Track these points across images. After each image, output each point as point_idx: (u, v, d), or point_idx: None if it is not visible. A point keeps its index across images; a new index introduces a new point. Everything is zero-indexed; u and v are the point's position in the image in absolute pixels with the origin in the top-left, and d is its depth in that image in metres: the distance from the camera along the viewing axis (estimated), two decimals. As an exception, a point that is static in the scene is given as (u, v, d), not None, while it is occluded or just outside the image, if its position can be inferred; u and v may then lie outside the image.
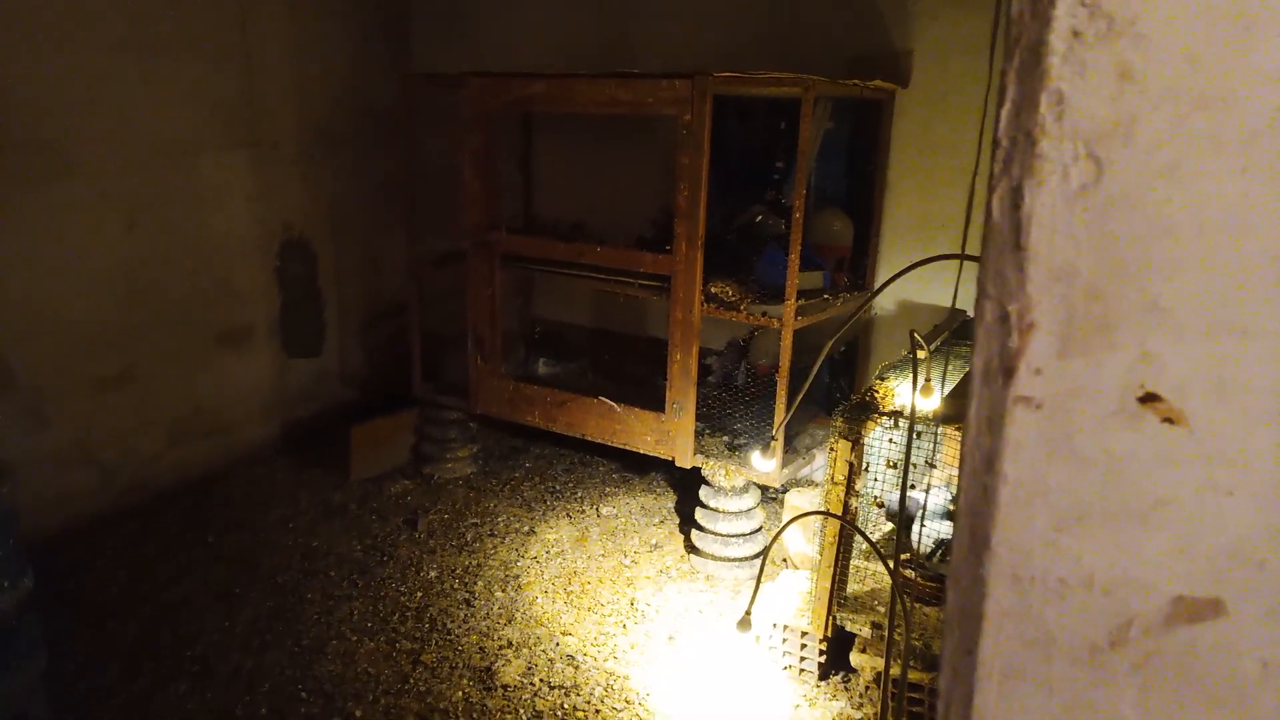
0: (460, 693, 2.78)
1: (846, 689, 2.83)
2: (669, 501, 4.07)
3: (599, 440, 3.91)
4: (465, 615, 3.18)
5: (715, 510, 3.49)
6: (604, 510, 3.97)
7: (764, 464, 3.21)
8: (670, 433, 3.60)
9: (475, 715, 2.69)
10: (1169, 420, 0.61)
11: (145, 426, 3.83)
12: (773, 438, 3.18)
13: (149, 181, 3.73)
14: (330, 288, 4.67)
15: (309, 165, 4.43)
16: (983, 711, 0.70)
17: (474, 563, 3.51)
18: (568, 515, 3.92)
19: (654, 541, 3.74)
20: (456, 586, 3.35)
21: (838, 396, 3.91)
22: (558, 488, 4.19)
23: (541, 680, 2.85)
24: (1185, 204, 0.58)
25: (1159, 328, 0.60)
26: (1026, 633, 0.67)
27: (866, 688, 2.81)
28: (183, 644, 2.95)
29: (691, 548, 3.60)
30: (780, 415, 3.24)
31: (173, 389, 3.93)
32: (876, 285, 3.82)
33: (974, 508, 0.67)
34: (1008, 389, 0.63)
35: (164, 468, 3.91)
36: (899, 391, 2.78)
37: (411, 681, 2.82)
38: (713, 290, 3.39)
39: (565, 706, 2.74)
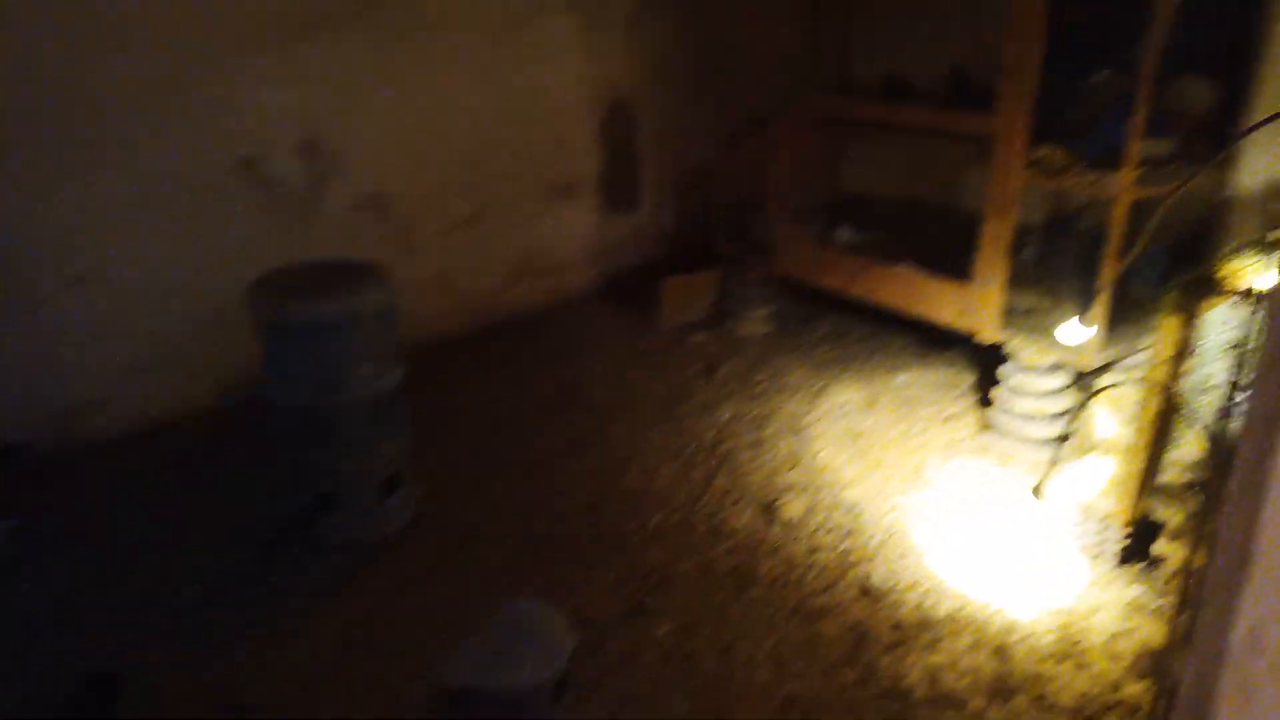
0: (745, 519, 3.01)
1: (1146, 577, 2.69)
2: (968, 377, 3.97)
3: (899, 309, 3.88)
4: (753, 455, 3.38)
5: (1018, 389, 3.36)
6: (898, 380, 3.96)
7: (1076, 342, 3.03)
8: (976, 305, 3.48)
9: (757, 539, 2.91)
10: None
11: (490, 263, 4.38)
12: (1089, 315, 2.98)
13: (495, 41, 4.12)
14: (647, 149, 4.93)
15: (634, 30, 4.64)
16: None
17: (764, 411, 3.70)
18: (859, 380, 3.96)
19: (947, 414, 3.69)
20: (747, 429, 3.56)
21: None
22: (851, 354, 4.23)
23: (821, 522, 3.00)
24: None
25: None
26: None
27: (1168, 579, 2.65)
28: (514, 447, 3.44)
29: (989, 425, 3.52)
30: (1102, 292, 3.02)
31: (512, 233, 4.43)
32: (1242, 160, 3.35)
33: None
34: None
35: (504, 301, 4.46)
36: (1250, 270, 2.48)
37: (703, 502, 3.09)
38: (1037, 155, 3.17)
39: (842, 548, 2.87)
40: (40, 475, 3.16)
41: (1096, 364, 3.21)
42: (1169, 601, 2.57)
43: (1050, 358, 3.26)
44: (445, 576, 2.74)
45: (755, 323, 4.43)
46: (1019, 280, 3.47)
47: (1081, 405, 2.60)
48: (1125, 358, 3.36)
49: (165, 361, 3.51)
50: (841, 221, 4.39)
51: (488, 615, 2.08)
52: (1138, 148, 2.89)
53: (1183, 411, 2.60)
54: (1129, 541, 2.70)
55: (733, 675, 2.39)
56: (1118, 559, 2.73)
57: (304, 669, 2.39)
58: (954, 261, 3.65)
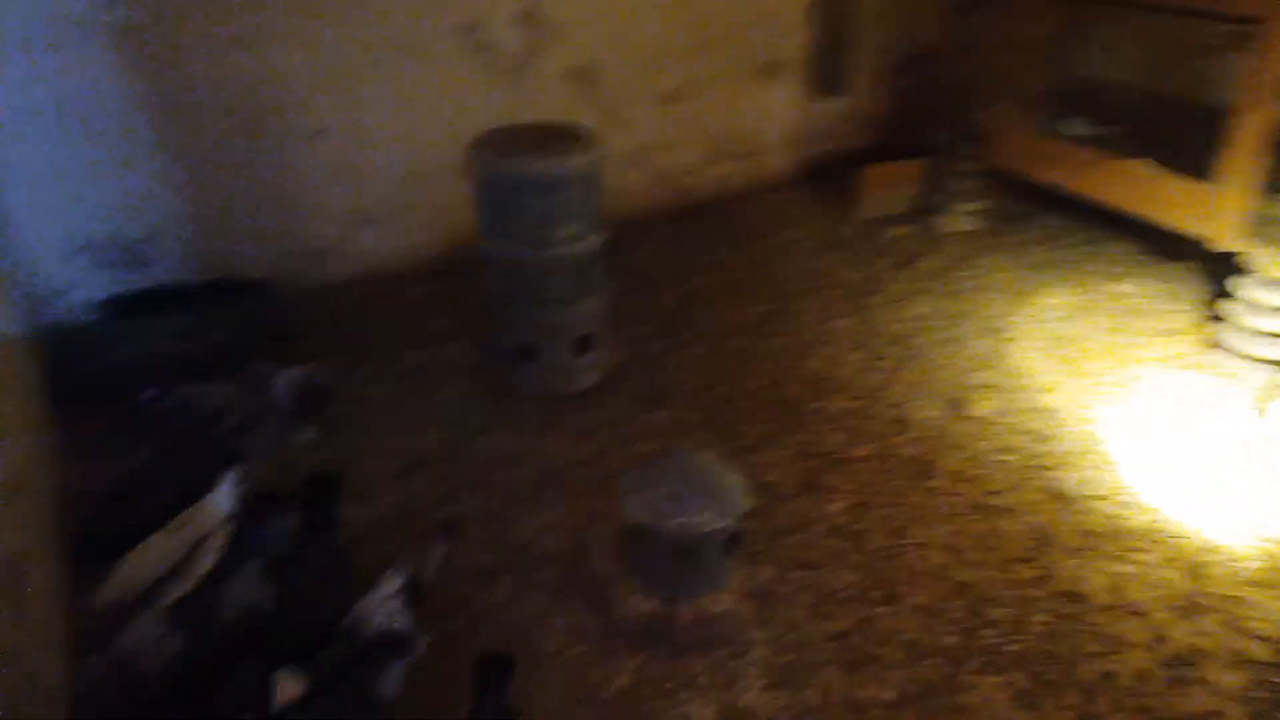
0: (929, 412, 2.96)
1: (1380, 517, 2.45)
2: (1197, 290, 3.63)
3: (1126, 210, 3.58)
4: (945, 351, 3.29)
5: (1253, 304, 3.05)
6: (1115, 287, 3.69)
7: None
8: (1216, 209, 3.15)
9: (942, 433, 2.86)
10: None
11: (691, 141, 4.37)
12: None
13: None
14: (860, 28, 4.69)
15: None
16: None
17: (962, 309, 3.56)
18: (1071, 285, 3.72)
19: (1169, 327, 3.41)
20: (941, 325, 3.45)
21: None
22: (1065, 257, 3.96)
23: (1013, 422, 2.90)
24: None
25: None
26: None
27: None
28: (702, 321, 3.50)
29: (1213, 342, 3.23)
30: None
31: (715, 111, 4.39)
32: None
33: None
34: None
35: (703, 180, 4.47)
36: None
37: (887, 392, 3.06)
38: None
39: (1034, 451, 2.77)
40: (284, 311, 3.53)
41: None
42: (1407, 544, 2.34)
43: (1301, 272, 2.93)
44: (629, 433, 2.88)
45: (961, 218, 4.21)
46: (1272, 185, 3.10)
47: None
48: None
49: (391, 213, 3.79)
50: (1070, 111, 4.04)
51: (668, 458, 2.18)
52: None
53: None
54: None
55: (903, 556, 2.41)
56: (1350, 494, 2.49)
57: (504, 495, 2.62)
58: (1194, 160, 3.30)
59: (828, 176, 4.71)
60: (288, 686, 1.82)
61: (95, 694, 1.92)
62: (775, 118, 4.62)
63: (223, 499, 2.32)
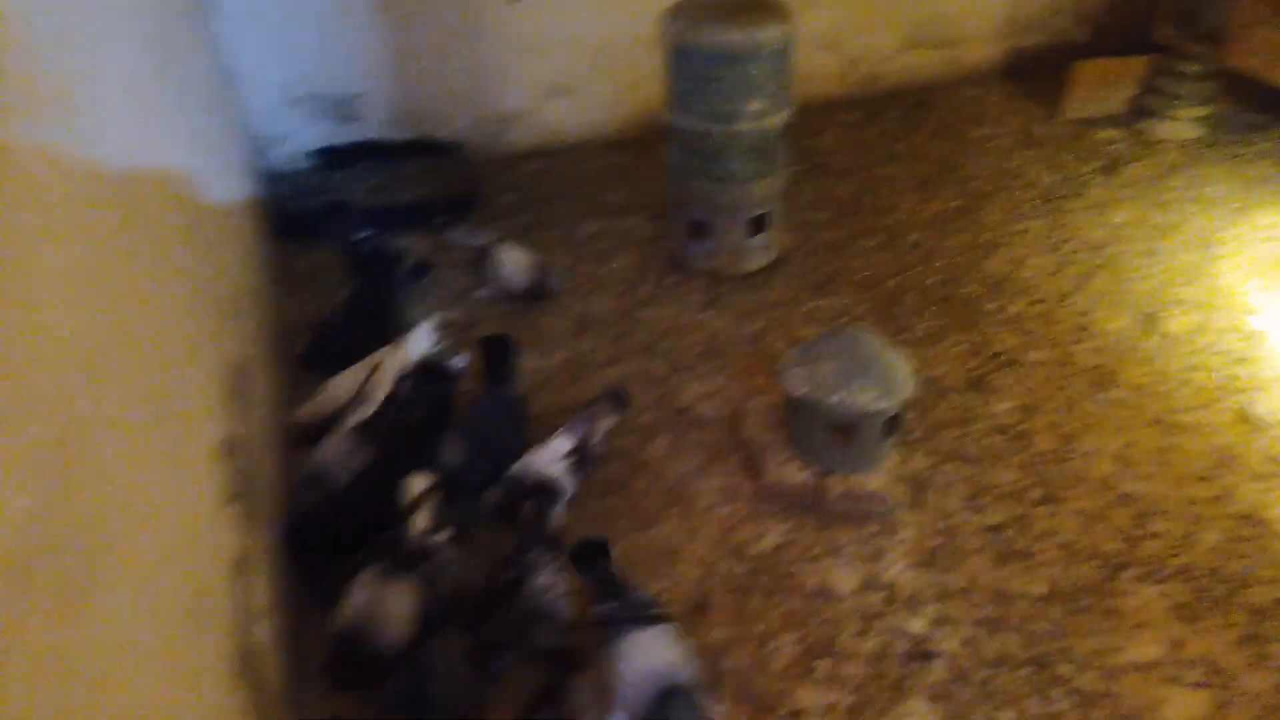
0: (1118, 323, 2.80)
1: None
2: None
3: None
4: (1143, 264, 3.08)
5: None
6: (1355, 210, 3.32)
7: None
8: None
9: (1127, 346, 2.71)
10: None
11: (886, 26, 4.17)
12: None
13: None
14: (1096, -93, 4.26)
15: None
16: None
17: (1168, 220, 3.30)
18: (1302, 204, 3.37)
19: None
20: (1141, 236, 3.22)
21: None
22: (1300, 175, 3.57)
23: (1209, 341, 2.72)
24: None
25: None
26: None
27: None
28: (879, 213, 3.42)
29: None
30: None
31: (917, -5, 4.16)
32: None
33: None
34: None
35: (894, 68, 4.27)
36: None
37: (1071, 300, 2.92)
38: None
39: (1228, 372, 2.60)
40: (474, 174, 3.70)
41: None
42: None
43: None
44: (793, 316, 2.90)
45: (1182, 124, 3.85)
46: None
47: None
48: None
49: (582, 85, 3.85)
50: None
51: (837, 336, 2.19)
52: None
53: None
54: None
55: (1069, 461, 2.35)
56: None
57: (667, 362, 2.72)
58: None
59: (1033, 72, 4.40)
60: (415, 483, 2.01)
61: (298, 497, 2.19)
62: (980, 5, 4.31)
63: (418, 343, 2.52)
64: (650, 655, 1.73)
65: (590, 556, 1.97)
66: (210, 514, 1.57)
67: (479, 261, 2.98)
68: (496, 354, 2.49)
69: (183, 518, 1.41)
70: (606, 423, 2.40)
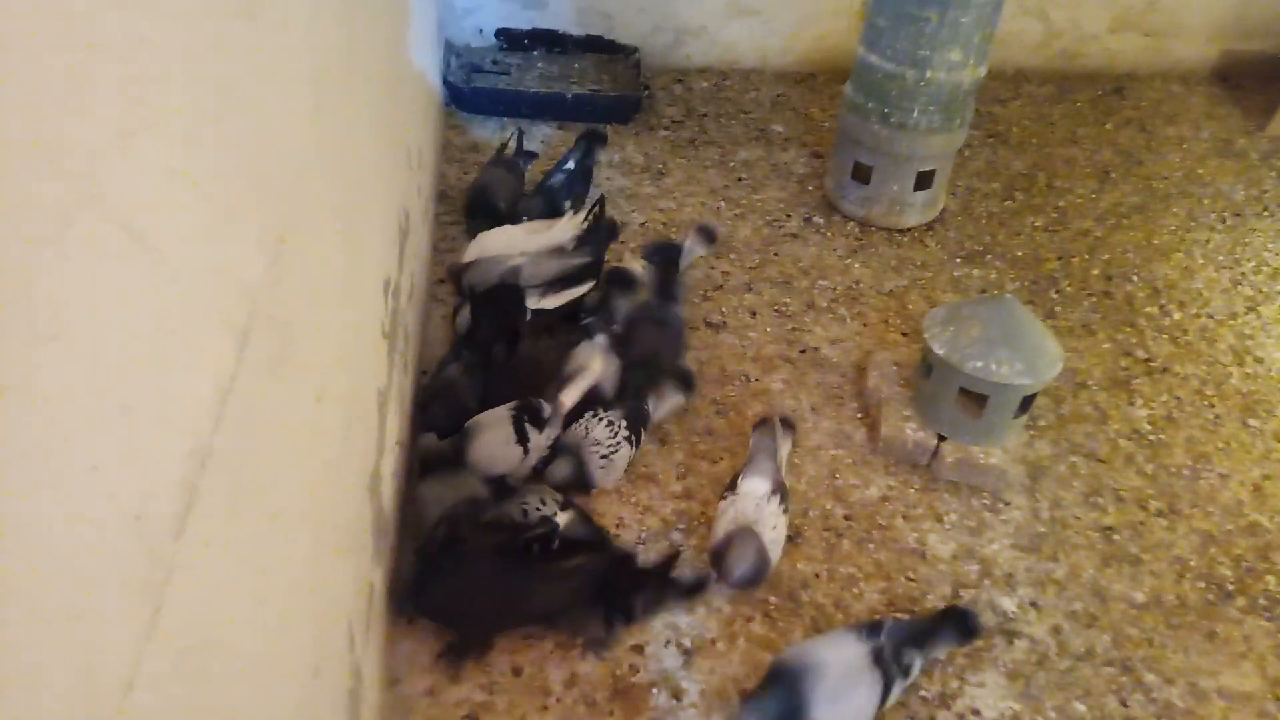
0: (1284, 354, 2.65)
1: None
2: None
3: None
4: (1327, 300, 2.88)
5: None
6: None
7: None
8: None
9: (1290, 379, 2.57)
10: None
11: (1097, 3, 3.92)
12: None
13: None
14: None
15: None
16: None
17: (1366, 260, 3.07)
18: None
19: None
20: (1332, 271, 3.01)
21: None
22: None
23: (1382, 394, 2.54)
24: None
25: None
26: None
27: None
28: (1052, 194, 3.28)
29: None
30: None
31: (1137, -26, 3.89)
32: None
33: None
34: None
35: (1097, 48, 4.03)
36: None
37: (1238, 321, 2.76)
38: None
39: (1395, 430, 2.43)
40: (644, 80, 3.70)
41: None
42: None
43: None
44: (939, 280, 2.84)
45: (1403, 162, 3.53)
46: None
47: None
48: None
49: (767, 8, 3.76)
50: None
51: (990, 301, 2.14)
52: None
53: None
54: None
55: (1200, 480, 2.26)
56: None
57: (801, 300, 2.71)
58: None
59: (1246, 80, 4.08)
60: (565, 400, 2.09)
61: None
62: (1205, 2, 4.01)
63: (566, 228, 2.57)
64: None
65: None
66: (370, 342, 1.67)
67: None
68: (668, 265, 2.55)
69: (351, 337, 1.51)
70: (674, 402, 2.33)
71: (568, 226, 2.55)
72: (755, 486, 1.94)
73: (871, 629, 1.71)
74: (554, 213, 2.69)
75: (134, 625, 0.66)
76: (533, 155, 3.06)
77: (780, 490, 1.96)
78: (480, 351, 2.23)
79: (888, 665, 1.66)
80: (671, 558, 1.93)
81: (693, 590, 1.91)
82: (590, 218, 2.56)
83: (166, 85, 0.73)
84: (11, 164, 0.53)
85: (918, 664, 1.73)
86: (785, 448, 2.14)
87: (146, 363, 0.70)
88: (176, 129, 0.76)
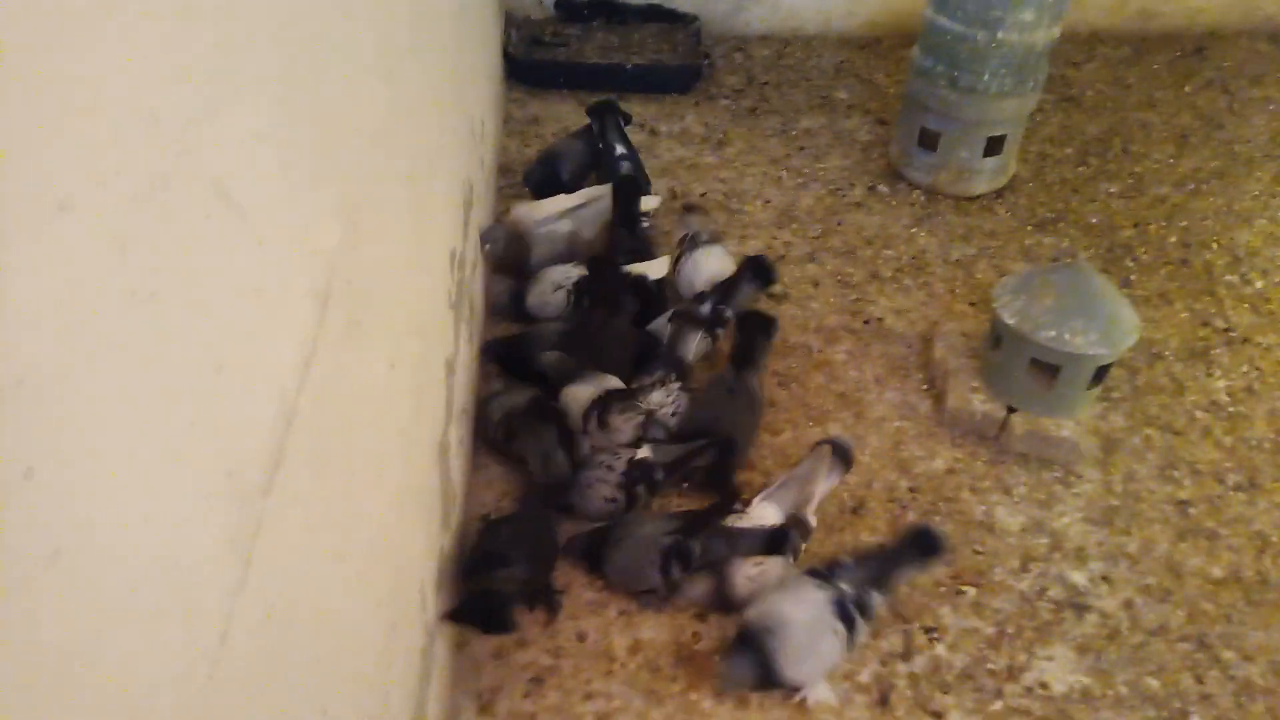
0: (1377, 324, 2.53)
1: None
2: None
3: None
4: None
5: None
6: None
7: None
8: None
9: (1383, 350, 2.46)
10: None
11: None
12: None
13: None
14: None
15: None
16: None
17: None
18: None
19: None
20: None
21: None
22: None
23: None
24: None
25: None
26: None
27: None
28: (1128, 158, 3.17)
29: None
30: None
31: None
32: None
33: None
34: None
35: (1176, 7, 3.86)
36: None
37: (1327, 289, 2.65)
38: None
39: None
40: (705, 48, 3.66)
41: None
42: None
43: None
44: (1008, 249, 2.77)
45: None
46: None
47: None
48: None
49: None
50: None
51: (1064, 268, 2.08)
52: None
53: None
54: None
55: (1279, 453, 2.18)
56: None
57: (864, 270, 2.67)
58: None
59: (1341, 35, 3.88)
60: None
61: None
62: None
63: (605, 193, 2.57)
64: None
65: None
66: (439, 311, 1.70)
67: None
68: (755, 332, 2.23)
69: (421, 306, 1.54)
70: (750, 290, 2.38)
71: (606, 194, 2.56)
72: (764, 512, 1.89)
73: (830, 572, 1.71)
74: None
75: (227, 576, 0.69)
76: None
77: (799, 527, 1.86)
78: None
79: (850, 612, 1.67)
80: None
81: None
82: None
83: (253, 53, 0.75)
84: (112, 129, 0.55)
85: (880, 600, 1.74)
86: (826, 482, 1.95)
87: (238, 323, 0.72)
88: (262, 96, 0.78)
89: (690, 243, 2.49)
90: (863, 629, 1.71)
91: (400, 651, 1.25)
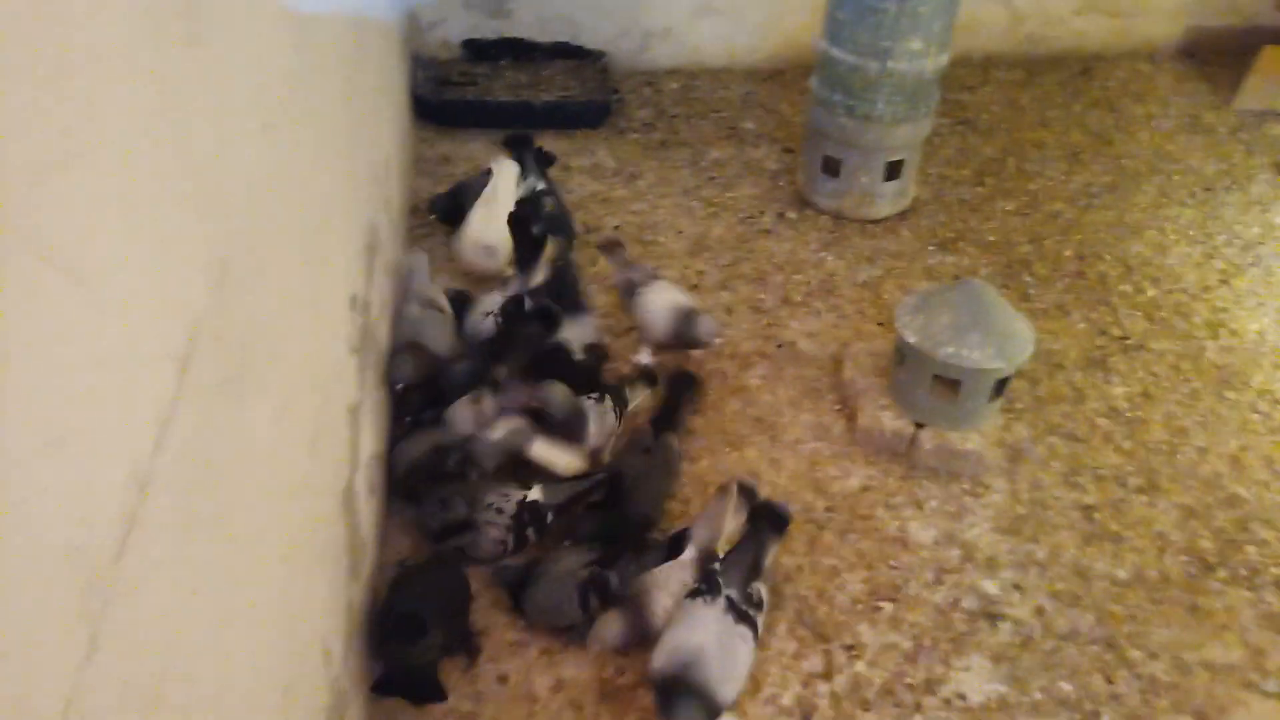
0: (1258, 325, 2.67)
1: None
2: None
3: None
4: (1299, 270, 2.90)
5: None
6: None
7: None
8: None
9: (1263, 350, 2.58)
10: None
11: (1062, -15, 3.94)
12: None
13: None
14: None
15: None
16: None
17: (1337, 229, 3.09)
18: None
19: None
20: (1303, 241, 3.02)
21: None
22: None
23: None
24: None
25: None
26: None
27: None
28: (1022, 178, 3.29)
29: None
30: None
31: (1101, -46, 3.91)
32: None
33: None
34: None
35: (1063, 31, 4.05)
36: None
37: (1211, 294, 2.78)
38: None
39: (1371, 395, 2.45)
40: (613, 84, 3.70)
41: None
42: None
43: None
44: (912, 269, 2.85)
45: (1371, 129, 3.55)
46: None
47: None
48: None
49: (734, 6, 3.77)
50: None
51: (959, 287, 2.14)
52: None
53: None
54: None
55: (1178, 455, 2.27)
56: None
57: (776, 295, 2.72)
58: None
59: (1213, 55, 4.10)
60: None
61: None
62: (1169, -26, 4.03)
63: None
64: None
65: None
66: (338, 358, 1.67)
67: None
68: (681, 393, 2.27)
69: (317, 351, 1.51)
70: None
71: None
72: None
73: (709, 584, 1.73)
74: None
75: (70, 655, 0.66)
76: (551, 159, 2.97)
77: (709, 558, 1.83)
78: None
79: (745, 611, 1.70)
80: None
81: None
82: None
83: (95, 115, 0.73)
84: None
85: (764, 589, 1.79)
86: (734, 519, 1.90)
87: (79, 395, 0.70)
88: (106, 157, 0.76)
89: (629, 288, 2.41)
90: (761, 620, 1.75)
91: (300, 713, 1.21)
